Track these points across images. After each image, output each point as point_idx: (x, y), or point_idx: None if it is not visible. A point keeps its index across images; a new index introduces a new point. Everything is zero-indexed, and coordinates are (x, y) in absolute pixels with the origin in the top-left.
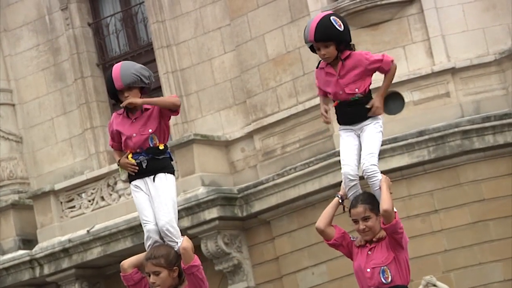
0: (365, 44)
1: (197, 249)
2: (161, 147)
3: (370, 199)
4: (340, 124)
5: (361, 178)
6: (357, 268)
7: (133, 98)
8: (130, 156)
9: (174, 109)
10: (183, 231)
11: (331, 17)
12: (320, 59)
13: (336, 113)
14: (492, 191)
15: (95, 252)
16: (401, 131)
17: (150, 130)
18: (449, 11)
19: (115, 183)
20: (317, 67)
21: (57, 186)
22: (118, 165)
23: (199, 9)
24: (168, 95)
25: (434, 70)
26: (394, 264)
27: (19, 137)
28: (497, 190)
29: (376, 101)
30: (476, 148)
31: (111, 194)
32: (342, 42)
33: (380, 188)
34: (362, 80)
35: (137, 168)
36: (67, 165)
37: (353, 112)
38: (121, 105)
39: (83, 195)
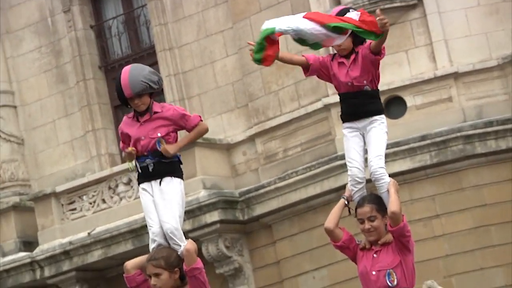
0: None
1: (198, 252)
2: None
3: (377, 200)
4: (344, 121)
5: (368, 181)
6: (362, 271)
7: (168, 148)
8: (130, 148)
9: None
10: (184, 234)
11: (350, 9)
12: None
13: (341, 106)
14: (494, 196)
15: (95, 255)
16: (404, 135)
17: (159, 134)
18: (452, 15)
19: (117, 186)
20: (332, 58)
21: (58, 188)
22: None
23: (202, 12)
24: (194, 118)
25: (437, 74)
26: (400, 268)
27: (20, 139)
28: (499, 195)
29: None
30: (478, 153)
31: (112, 197)
32: (358, 36)
33: (388, 191)
34: (369, 72)
35: (135, 150)
36: (68, 167)
37: (359, 103)
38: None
39: (84, 197)
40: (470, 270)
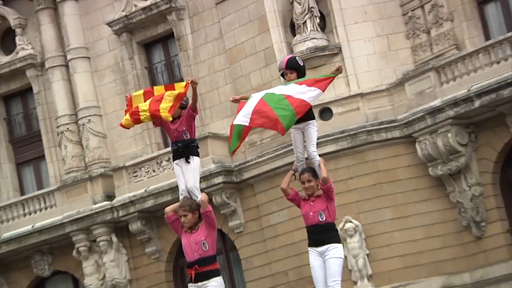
0: None
1: (210, 201)
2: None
3: (312, 170)
4: None
5: (306, 159)
6: (304, 213)
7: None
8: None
9: (195, 106)
10: (201, 190)
11: (296, 57)
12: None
13: None
14: (385, 166)
15: (149, 203)
16: (331, 130)
17: (184, 128)
18: (359, 59)
19: (161, 162)
20: None
21: (127, 164)
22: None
23: (211, 58)
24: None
25: (350, 94)
26: (327, 210)
27: (104, 134)
28: (388, 165)
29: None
30: (375, 140)
31: (159, 168)
32: (301, 72)
33: (319, 165)
34: None
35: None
36: (133, 151)
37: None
38: (190, 80)
39: (142, 169)
40: (371, 210)
